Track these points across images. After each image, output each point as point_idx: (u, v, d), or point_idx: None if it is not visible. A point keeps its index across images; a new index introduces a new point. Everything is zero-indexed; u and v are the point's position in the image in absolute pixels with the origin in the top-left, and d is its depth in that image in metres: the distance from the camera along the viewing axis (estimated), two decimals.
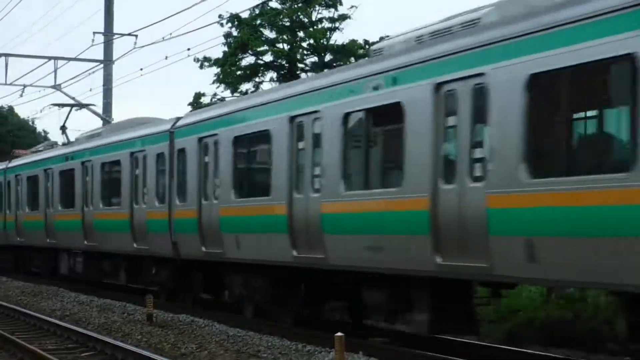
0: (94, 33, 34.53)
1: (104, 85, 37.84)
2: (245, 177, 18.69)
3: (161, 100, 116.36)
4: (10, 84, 38.17)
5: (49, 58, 36.50)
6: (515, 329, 17.18)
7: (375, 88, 13.95)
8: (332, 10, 33.87)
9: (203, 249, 19.60)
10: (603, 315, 16.19)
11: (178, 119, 21.99)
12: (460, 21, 13.12)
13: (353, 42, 33.85)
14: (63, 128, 33.59)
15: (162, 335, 17.44)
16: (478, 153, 12.05)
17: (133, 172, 23.51)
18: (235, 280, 19.35)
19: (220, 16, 33.65)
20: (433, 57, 12.86)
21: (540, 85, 11.13)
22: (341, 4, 33.77)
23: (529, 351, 15.08)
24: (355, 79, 14.60)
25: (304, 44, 34.48)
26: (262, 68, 35.23)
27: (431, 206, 12.68)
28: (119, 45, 55.56)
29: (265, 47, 34.43)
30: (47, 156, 31.63)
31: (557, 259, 10.81)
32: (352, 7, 33.80)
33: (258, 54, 34.70)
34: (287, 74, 33.82)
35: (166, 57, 36.43)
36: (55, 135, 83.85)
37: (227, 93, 35.40)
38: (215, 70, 35.12)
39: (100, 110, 36.42)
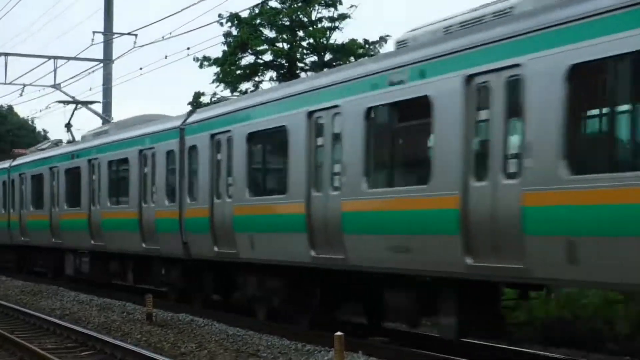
0: (94, 32, 34.66)
1: (103, 85, 37.91)
2: (260, 174, 18.13)
3: (161, 99, 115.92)
4: (10, 83, 38.29)
5: (49, 57, 36.57)
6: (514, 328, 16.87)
7: (401, 81, 13.35)
8: (332, 9, 33.79)
9: (215, 249, 19.02)
10: (603, 315, 16.05)
11: (189, 115, 21.42)
12: (492, 10, 12.52)
13: (353, 41, 33.70)
14: (68, 126, 33.32)
15: (161, 335, 17.38)
16: (513, 148, 11.46)
17: (142, 170, 22.94)
18: (249, 281, 18.77)
19: (219, 15, 33.61)
20: (464, 48, 12.25)
21: (582, 76, 10.54)
22: (341, 3, 33.68)
23: (529, 351, 14.78)
24: (378, 72, 13.99)
25: (304, 44, 34.39)
26: (261, 67, 35.14)
27: (461, 204, 12.09)
28: (119, 45, 55.30)
29: (265, 47, 34.35)
30: (52, 154, 31.05)
31: (600, 260, 10.22)
32: (351, 6, 33.78)
33: (258, 54, 34.62)
34: (287, 74, 33.74)
35: (166, 57, 36.98)
36: (55, 135, 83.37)
37: (226, 92, 35.26)
38: (215, 69, 35.09)
39: (99, 110, 36.32)
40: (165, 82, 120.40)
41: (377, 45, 33.57)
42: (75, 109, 33.88)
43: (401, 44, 14.40)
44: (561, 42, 10.65)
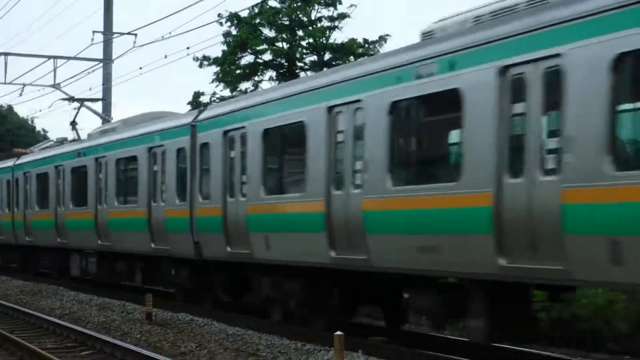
0: (94, 32, 34.43)
1: (103, 84, 37.79)
2: (276, 172, 17.53)
3: (161, 99, 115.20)
4: (10, 83, 38.06)
5: (49, 57, 36.32)
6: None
7: (429, 74, 12.76)
8: (332, 9, 33.49)
9: (228, 249, 18.45)
10: (603, 315, 15.88)
11: (200, 111, 20.84)
12: None
13: (352, 40, 33.41)
14: (73, 123, 32.90)
15: (161, 334, 17.32)
16: (551, 143, 10.88)
17: (151, 168, 22.36)
18: (263, 283, 18.18)
19: (219, 15, 33.36)
20: (499, 37, 11.66)
21: (628, 66, 9.96)
22: (340, 2, 33.36)
23: (529, 351, 14.49)
24: (404, 65, 13.39)
25: (303, 43, 34.12)
26: (261, 67, 34.90)
27: (495, 202, 11.51)
28: (119, 44, 55.26)
29: (265, 46, 34.10)
30: (57, 152, 30.46)
31: None
32: (351, 6, 33.47)
33: (257, 53, 34.37)
34: (287, 73, 33.54)
35: (165, 56, 36.99)
36: (55, 135, 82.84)
37: (226, 92, 34.97)
38: (215, 69, 34.82)
39: (99, 109, 36.11)
40: (165, 81, 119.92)
41: (376, 45, 33.34)
42: (80, 106, 33.41)
43: (427, 36, 13.80)
44: (606, 30, 10.07)
